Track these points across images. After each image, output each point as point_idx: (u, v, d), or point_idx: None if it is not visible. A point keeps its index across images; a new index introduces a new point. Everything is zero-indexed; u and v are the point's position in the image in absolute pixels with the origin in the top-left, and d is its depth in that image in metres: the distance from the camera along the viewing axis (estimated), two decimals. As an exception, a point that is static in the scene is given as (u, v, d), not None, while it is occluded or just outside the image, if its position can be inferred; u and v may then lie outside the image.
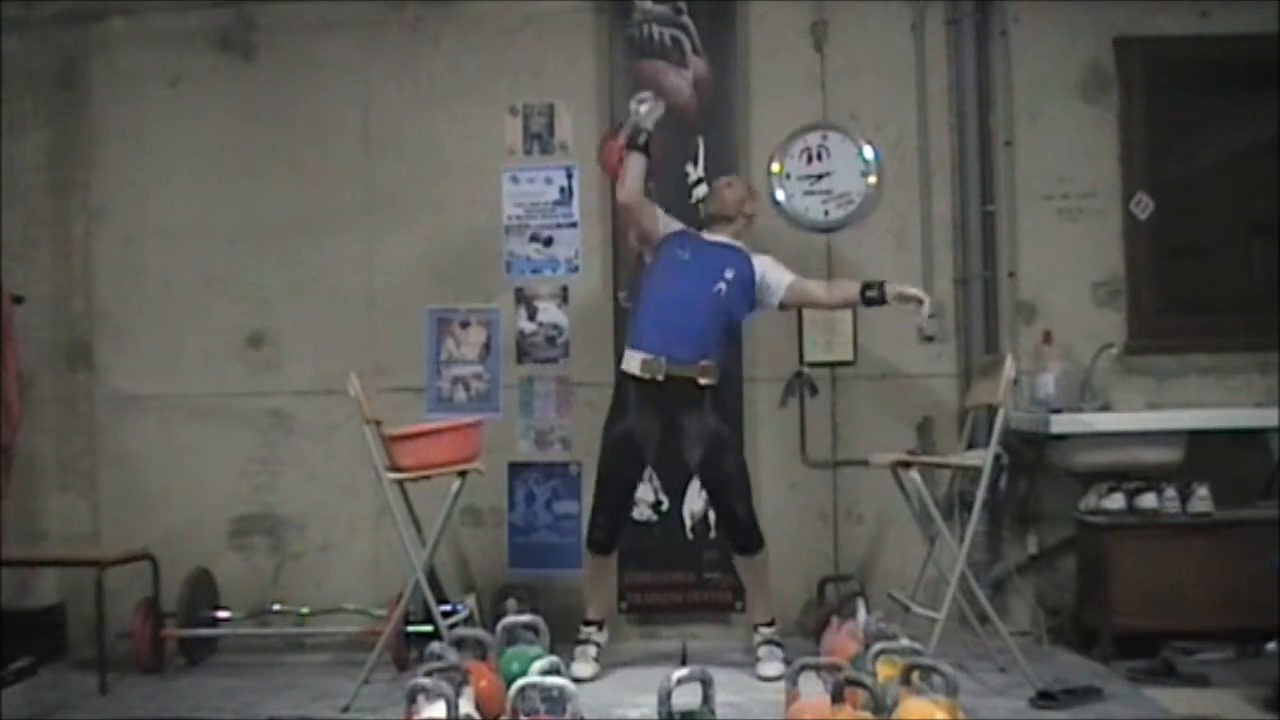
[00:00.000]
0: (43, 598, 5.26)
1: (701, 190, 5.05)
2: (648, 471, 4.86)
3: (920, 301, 4.49)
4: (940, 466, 4.85)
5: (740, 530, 4.61)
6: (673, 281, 4.54)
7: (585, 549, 4.72)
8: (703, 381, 4.50)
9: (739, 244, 4.67)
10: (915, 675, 3.37)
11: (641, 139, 4.52)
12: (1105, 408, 4.98)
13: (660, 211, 4.72)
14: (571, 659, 4.47)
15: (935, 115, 5.26)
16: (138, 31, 5.40)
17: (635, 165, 4.52)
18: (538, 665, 3.58)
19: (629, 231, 4.84)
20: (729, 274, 4.56)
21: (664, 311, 4.51)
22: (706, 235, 4.67)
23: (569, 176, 5.28)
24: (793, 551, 5.12)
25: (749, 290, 4.60)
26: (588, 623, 4.68)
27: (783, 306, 4.71)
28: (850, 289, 4.63)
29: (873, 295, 4.53)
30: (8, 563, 4.83)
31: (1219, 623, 4.53)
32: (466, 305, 5.33)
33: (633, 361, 4.54)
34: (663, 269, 4.59)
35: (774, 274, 4.64)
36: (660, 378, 4.46)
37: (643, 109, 4.52)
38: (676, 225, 4.70)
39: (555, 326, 5.30)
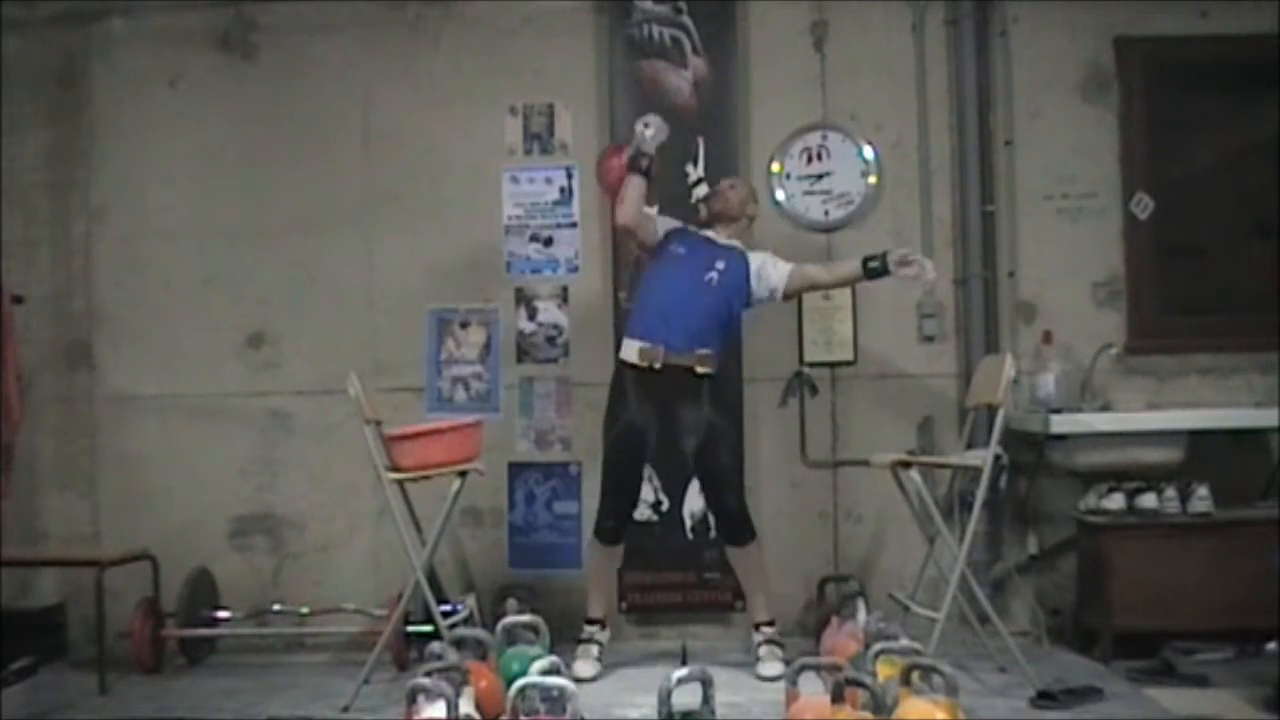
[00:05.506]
0: (43, 598, 5.26)
1: (701, 190, 5.04)
2: (648, 471, 4.87)
3: (921, 266, 4.48)
4: (940, 466, 4.85)
5: (730, 520, 4.63)
6: (667, 275, 4.59)
7: (592, 542, 4.70)
8: (700, 370, 4.52)
9: (735, 243, 4.70)
10: (915, 675, 3.37)
11: (643, 163, 4.55)
12: (1105, 408, 4.98)
13: (659, 218, 4.74)
14: (573, 658, 4.48)
15: (935, 115, 5.26)
16: (138, 31, 5.40)
17: (635, 188, 4.55)
18: (538, 665, 3.58)
19: (630, 240, 4.86)
20: (719, 265, 4.58)
21: (660, 302, 4.55)
22: (704, 233, 4.71)
23: (569, 176, 5.29)
24: (793, 551, 5.13)
25: (742, 284, 4.62)
26: (590, 621, 4.68)
27: (786, 296, 4.72)
28: (851, 265, 4.65)
29: (875, 266, 4.53)
30: (8, 563, 4.84)
31: (1219, 623, 4.53)
32: (466, 305, 5.33)
33: (630, 350, 4.56)
34: (658, 265, 4.65)
35: (771, 266, 4.66)
36: (658, 365, 4.49)
37: (648, 133, 4.54)
38: (674, 223, 4.73)
39: (555, 326, 5.30)
